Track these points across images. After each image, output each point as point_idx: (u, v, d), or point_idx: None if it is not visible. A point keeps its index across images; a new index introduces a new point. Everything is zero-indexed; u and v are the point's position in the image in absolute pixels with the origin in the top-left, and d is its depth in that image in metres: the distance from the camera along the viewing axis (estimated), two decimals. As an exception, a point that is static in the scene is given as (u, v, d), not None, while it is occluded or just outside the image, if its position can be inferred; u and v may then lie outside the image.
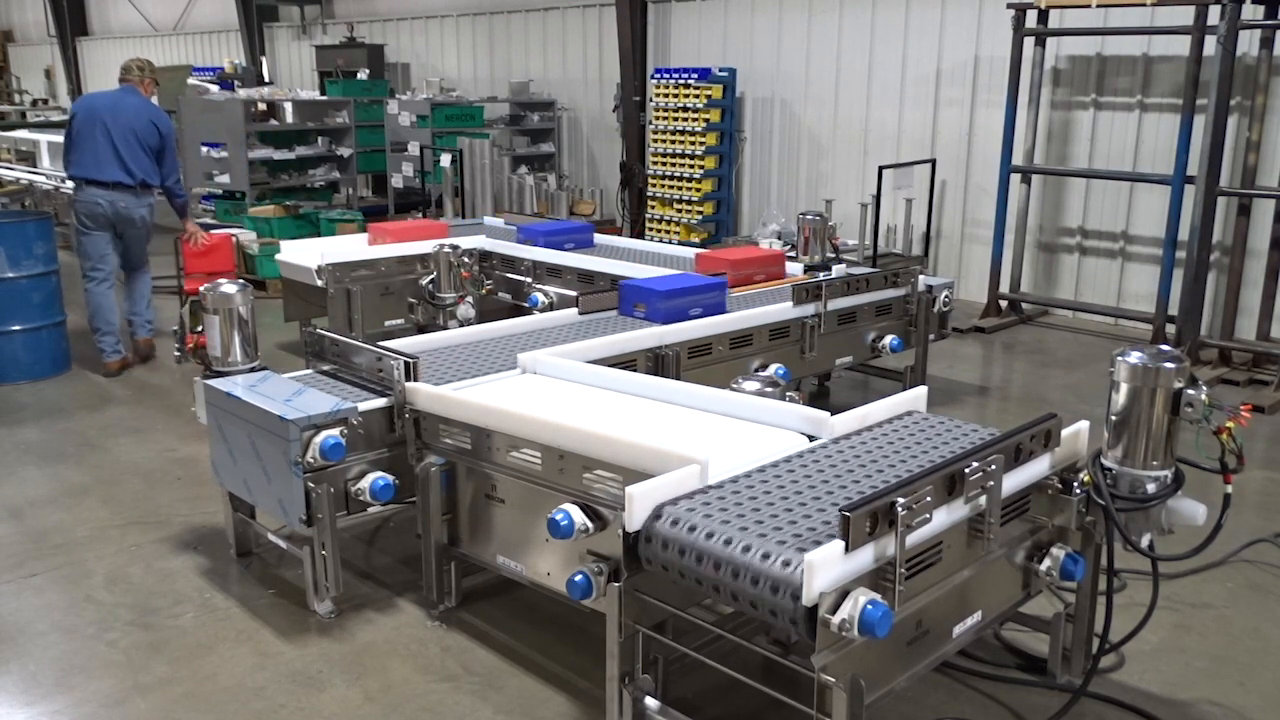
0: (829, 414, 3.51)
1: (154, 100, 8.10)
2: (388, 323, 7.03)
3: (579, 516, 3.11)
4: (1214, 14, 7.31)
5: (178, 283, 8.09)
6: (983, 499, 2.88)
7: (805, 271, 6.55)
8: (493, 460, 3.59)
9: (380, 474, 3.91)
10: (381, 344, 4.21)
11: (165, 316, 9.09)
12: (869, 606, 2.45)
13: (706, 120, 10.99)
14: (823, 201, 10.12)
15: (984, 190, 9.44)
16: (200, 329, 4.37)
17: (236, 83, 14.44)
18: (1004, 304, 9.03)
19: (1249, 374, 7.26)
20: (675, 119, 11.20)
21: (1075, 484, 3.20)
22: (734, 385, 4.05)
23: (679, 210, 11.45)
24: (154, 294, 9.93)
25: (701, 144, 11.06)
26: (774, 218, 10.40)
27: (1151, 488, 3.15)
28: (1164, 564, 3.46)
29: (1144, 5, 7.71)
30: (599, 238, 7.86)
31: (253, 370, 4.35)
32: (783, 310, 5.50)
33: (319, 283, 6.91)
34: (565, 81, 13.45)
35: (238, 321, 4.34)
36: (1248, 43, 7.68)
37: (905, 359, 6.26)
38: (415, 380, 3.93)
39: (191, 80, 15.59)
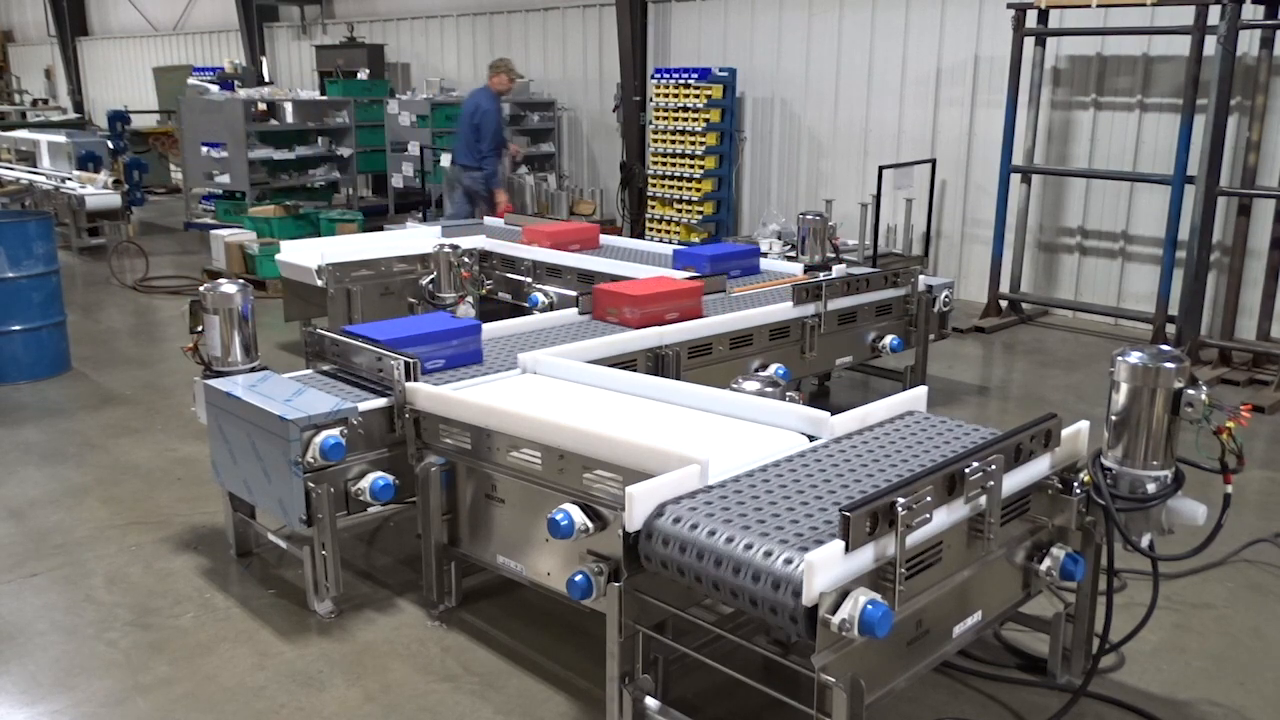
0: (829, 414, 3.51)
1: (495, 89, 9.90)
2: (388, 323, 7.03)
3: (579, 516, 3.10)
4: (1214, 14, 7.31)
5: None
6: (983, 499, 2.88)
7: (805, 271, 6.54)
8: (493, 460, 3.59)
9: (380, 474, 3.91)
10: (382, 344, 4.21)
11: (165, 316, 9.11)
12: (869, 606, 2.45)
13: (706, 120, 10.99)
14: (823, 201, 10.12)
15: (984, 190, 9.44)
16: (200, 329, 4.37)
17: (236, 83, 14.44)
18: (1004, 304, 9.03)
19: (1249, 374, 7.26)
20: (675, 119, 11.20)
21: (1075, 484, 3.20)
22: (734, 385, 4.05)
23: (679, 210, 11.45)
24: (153, 294, 9.95)
25: (701, 144, 11.06)
26: (774, 218, 10.40)
27: (1151, 488, 3.15)
28: (1164, 564, 3.45)
29: (1144, 5, 7.71)
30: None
31: (253, 370, 4.36)
32: (783, 310, 5.50)
33: (319, 283, 6.91)
34: (565, 81, 13.45)
35: (238, 321, 4.34)
36: (1248, 43, 7.68)
37: (905, 359, 6.26)
38: (415, 380, 3.93)
39: (191, 80, 15.61)
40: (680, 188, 11.38)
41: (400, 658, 3.72)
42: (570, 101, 13.46)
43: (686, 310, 5.18)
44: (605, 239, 7.75)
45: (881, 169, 9.08)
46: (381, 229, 9.29)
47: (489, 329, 4.90)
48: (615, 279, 6.42)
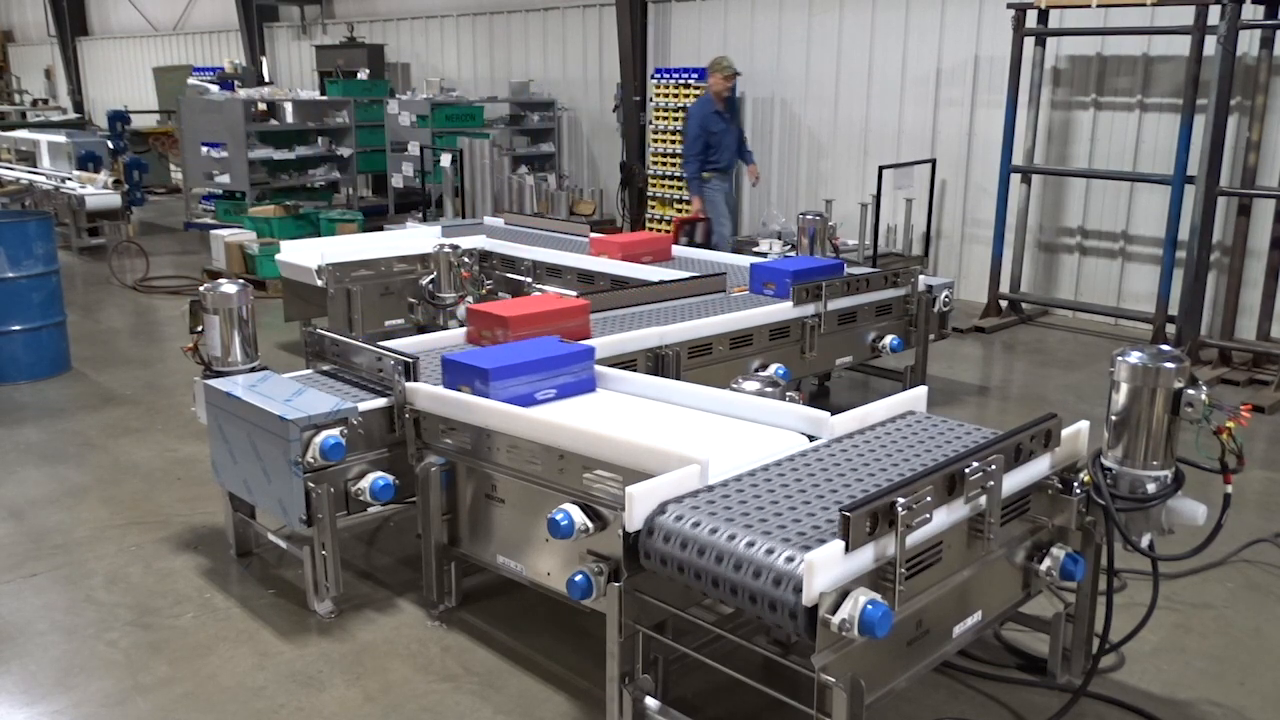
0: (829, 414, 3.51)
1: (711, 92, 9.42)
2: (388, 323, 7.03)
3: (579, 516, 3.10)
4: (1214, 14, 7.31)
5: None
6: (983, 499, 2.88)
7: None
8: (493, 460, 3.59)
9: (380, 474, 3.91)
10: (381, 344, 4.21)
11: (165, 316, 9.11)
12: (869, 606, 2.45)
13: (707, 120, 10.97)
14: (823, 201, 10.12)
15: (984, 190, 9.43)
16: (200, 329, 4.37)
17: (236, 83, 14.45)
18: (1004, 304, 9.03)
19: (1249, 374, 7.26)
20: (675, 119, 11.19)
21: (1075, 484, 3.20)
22: (734, 385, 4.05)
23: (679, 210, 11.43)
24: (153, 294, 9.96)
25: (702, 144, 11.04)
26: (774, 218, 10.40)
27: (1151, 488, 3.15)
28: (1164, 564, 3.46)
29: (1144, 5, 7.71)
30: (598, 238, 7.84)
31: (253, 370, 4.36)
32: (783, 310, 5.50)
33: (319, 283, 6.91)
34: (565, 81, 13.45)
35: (238, 321, 4.34)
36: (1248, 43, 7.68)
37: (905, 359, 6.26)
38: (415, 380, 3.93)
39: (191, 80, 15.61)
40: (680, 188, 11.36)
41: (400, 658, 3.72)
42: (570, 101, 13.46)
43: (570, 332, 4.61)
44: (674, 249, 7.19)
45: (881, 169, 9.08)
46: (381, 229, 9.30)
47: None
48: (616, 280, 6.44)
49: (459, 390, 3.78)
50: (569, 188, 12.61)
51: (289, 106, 13.41)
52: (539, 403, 3.82)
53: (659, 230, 11.63)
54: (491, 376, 3.70)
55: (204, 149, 12.71)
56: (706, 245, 9.00)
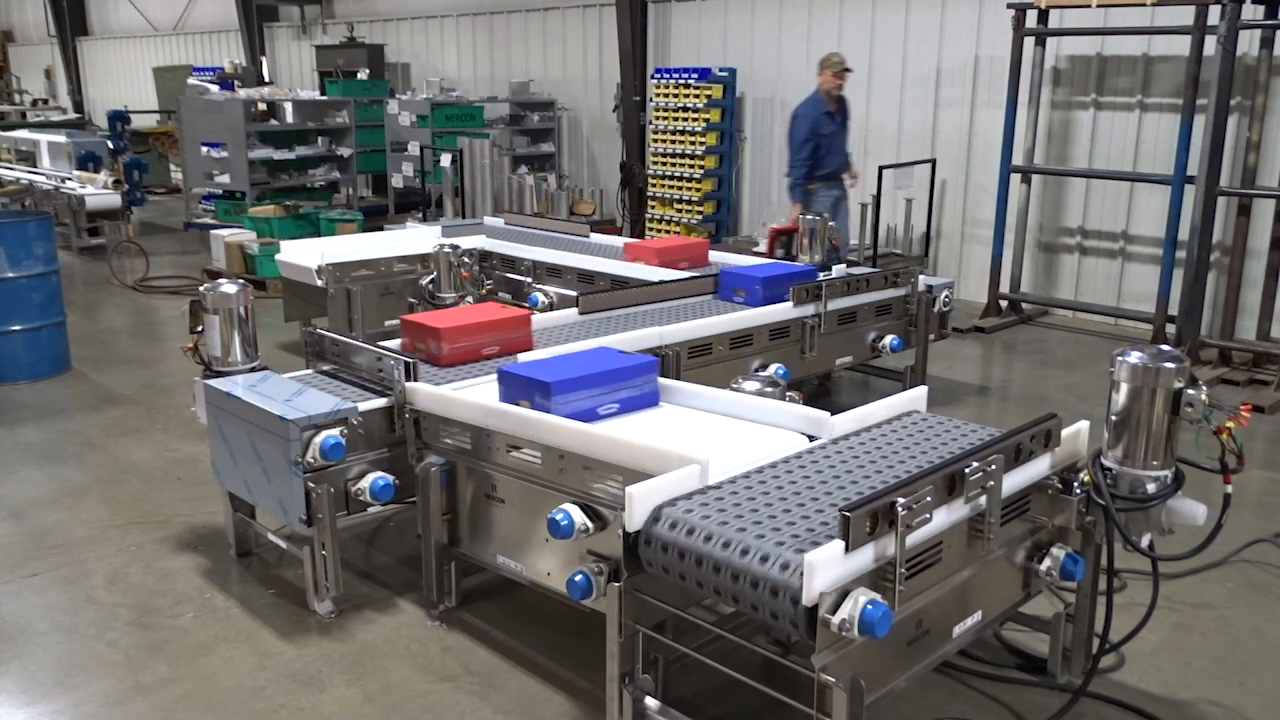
0: (829, 414, 3.51)
1: (821, 90, 8.51)
2: (388, 323, 7.02)
3: (579, 516, 3.10)
4: (1214, 14, 7.31)
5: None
6: (983, 499, 2.88)
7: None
8: (493, 460, 3.59)
9: (380, 474, 3.91)
10: (381, 344, 4.21)
11: (165, 316, 9.11)
12: (869, 606, 2.45)
13: (706, 120, 10.99)
14: (823, 201, 10.11)
15: (984, 190, 9.43)
16: (200, 329, 4.37)
17: (236, 83, 14.45)
18: (1004, 304, 9.03)
19: (1249, 374, 7.26)
20: (675, 119, 11.20)
21: (1075, 484, 3.20)
22: (734, 385, 4.05)
23: (679, 210, 11.45)
24: (153, 294, 9.96)
25: (701, 144, 11.06)
26: (774, 218, 10.40)
27: (1151, 488, 3.15)
28: (1164, 564, 3.45)
29: (1144, 5, 7.71)
30: (598, 238, 7.85)
31: (253, 370, 4.36)
32: (783, 310, 5.50)
33: (319, 283, 6.91)
34: (565, 81, 13.45)
35: (238, 321, 4.34)
36: (1248, 43, 7.68)
37: (905, 359, 6.26)
38: (415, 380, 3.93)
39: (191, 80, 15.61)
40: (680, 188, 11.38)
41: (400, 658, 3.72)
42: (570, 101, 13.46)
43: (510, 344, 4.45)
44: (711, 254, 6.97)
45: (881, 169, 9.08)
46: (381, 229, 9.30)
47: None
48: (616, 280, 6.43)
49: (518, 405, 3.57)
50: (569, 188, 12.62)
51: (289, 106, 13.42)
52: (601, 418, 3.63)
53: (659, 231, 11.64)
54: (554, 391, 3.52)
55: (204, 149, 12.71)
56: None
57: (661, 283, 5.87)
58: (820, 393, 6.75)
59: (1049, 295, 9.25)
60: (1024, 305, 9.12)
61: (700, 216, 11.29)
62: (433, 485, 3.76)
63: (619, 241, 7.87)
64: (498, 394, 3.73)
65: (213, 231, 10.70)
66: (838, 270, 6.34)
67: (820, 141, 8.33)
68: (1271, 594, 4.22)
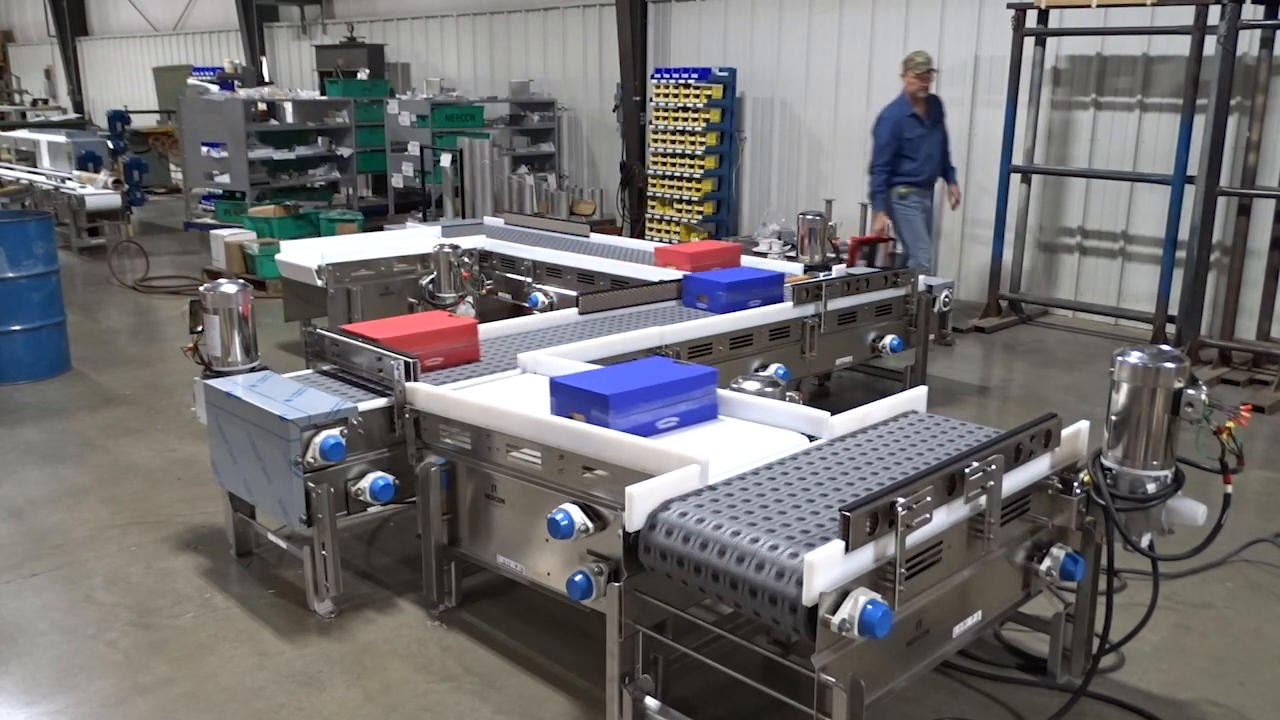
0: (829, 414, 3.51)
1: (907, 93, 8.03)
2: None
3: (579, 516, 3.10)
4: (1214, 14, 7.31)
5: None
6: (983, 499, 2.88)
7: (805, 271, 6.54)
8: (493, 460, 3.59)
9: (380, 474, 3.91)
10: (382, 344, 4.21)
11: (165, 316, 9.11)
12: (869, 606, 2.45)
13: (706, 120, 10.99)
14: (823, 201, 10.11)
15: (984, 190, 9.43)
16: (200, 329, 4.37)
17: (236, 83, 14.45)
18: (1004, 304, 9.03)
19: (1249, 374, 7.26)
20: (675, 119, 11.20)
21: (1075, 484, 3.21)
22: (734, 385, 4.05)
23: (679, 210, 11.44)
24: (153, 294, 9.96)
25: (701, 144, 11.06)
26: (774, 218, 10.40)
27: (1151, 488, 3.15)
28: (1164, 564, 3.45)
29: (1144, 5, 7.71)
30: (598, 238, 7.85)
31: (253, 370, 4.36)
32: (783, 310, 5.50)
33: (319, 283, 6.92)
34: (565, 81, 13.45)
35: (238, 321, 4.34)
36: (1248, 43, 7.68)
37: (905, 359, 6.26)
38: (415, 380, 3.93)
39: (191, 80, 15.60)
40: (680, 188, 11.38)
41: (400, 658, 3.72)
42: (570, 101, 13.46)
43: (457, 354, 4.35)
44: (744, 260, 6.73)
45: (881, 169, 9.06)
46: (381, 229, 9.30)
47: (488, 329, 4.91)
48: (616, 280, 6.43)
49: (571, 418, 3.42)
50: (569, 188, 12.61)
51: (289, 106, 13.42)
52: (660, 432, 3.47)
53: (659, 231, 11.64)
54: (613, 404, 3.35)
55: (204, 149, 12.71)
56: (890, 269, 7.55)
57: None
58: (820, 393, 6.76)
59: (1049, 295, 9.25)
60: (1024, 305, 9.13)
61: (700, 216, 11.28)
62: (433, 485, 3.76)
63: (620, 242, 7.86)
64: (549, 406, 3.57)
65: (213, 231, 10.70)
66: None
67: (904, 146, 7.94)
68: (1271, 594, 4.22)
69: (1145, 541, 3.21)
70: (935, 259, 8.41)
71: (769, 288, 5.64)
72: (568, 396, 3.54)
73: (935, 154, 8.12)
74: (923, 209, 8.08)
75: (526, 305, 6.87)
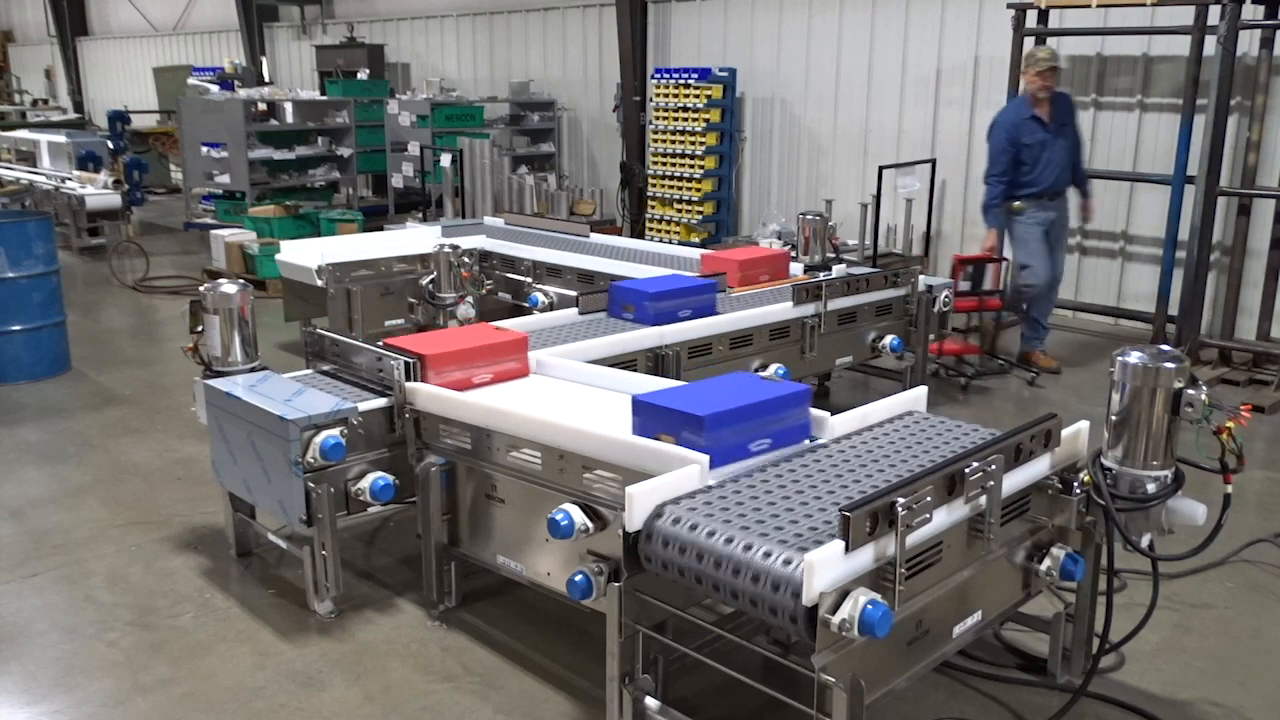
0: (829, 414, 3.51)
1: (1028, 93, 7.13)
2: (388, 323, 7.03)
3: (579, 516, 3.11)
4: (1214, 14, 7.31)
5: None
6: (983, 499, 2.89)
7: (805, 271, 6.54)
8: (493, 460, 3.59)
9: (380, 474, 3.91)
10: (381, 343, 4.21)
11: (165, 316, 9.11)
12: (869, 606, 2.45)
13: (706, 120, 10.99)
14: (823, 201, 10.12)
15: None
16: (200, 329, 4.37)
17: (236, 83, 14.44)
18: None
19: (1249, 374, 7.25)
20: (675, 119, 11.20)
21: (1075, 484, 3.20)
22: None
23: (679, 210, 11.44)
24: (153, 294, 9.96)
25: (701, 144, 11.06)
26: (774, 218, 10.40)
27: (1151, 488, 3.15)
28: (1164, 564, 3.46)
29: (1144, 5, 7.71)
30: (598, 238, 7.85)
31: (253, 370, 4.36)
32: (783, 310, 5.50)
33: (319, 283, 6.92)
34: (565, 81, 13.45)
35: (238, 321, 4.34)
36: (1248, 43, 7.68)
37: (905, 359, 6.26)
38: (415, 380, 3.93)
39: (191, 80, 15.61)
40: (680, 188, 11.37)
41: (400, 658, 3.72)
42: (570, 101, 13.46)
43: (504, 372, 4.14)
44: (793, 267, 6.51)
45: (881, 169, 9.07)
46: (381, 229, 9.30)
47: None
48: (616, 280, 6.42)
49: (658, 439, 3.20)
50: (569, 188, 12.61)
51: (289, 106, 13.42)
52: (754, 455, 3.25)
53: (658, 231, 11.64)
54: (707, 425, 3.11)
55: (204, 149, 12.71)
56: (999, 292, 7.10)
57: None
58: (820, 393, 6.75)
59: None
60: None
61: (700, 216, 11.29)
62: (433, 485, 3.76)
63: (620, 242, 7.86)
64: (631, 426, 3.35)
65: (213, 231, 10.70)
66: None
67: (1023, 152, 6.95)
68: (1271, 594, 4.22)
69: (1145, 541, 3.21)
70: (1060, 278, 7.57)
71: (700, 295, 5.23)
72: (653, 417, 3.29)
73: (1059, 160, 7.04)
74: (1042, 223, 7.11)
75: (526, 305, 6.87)
